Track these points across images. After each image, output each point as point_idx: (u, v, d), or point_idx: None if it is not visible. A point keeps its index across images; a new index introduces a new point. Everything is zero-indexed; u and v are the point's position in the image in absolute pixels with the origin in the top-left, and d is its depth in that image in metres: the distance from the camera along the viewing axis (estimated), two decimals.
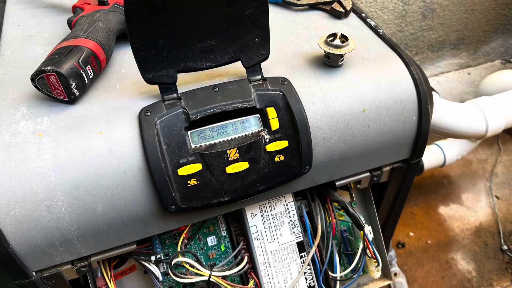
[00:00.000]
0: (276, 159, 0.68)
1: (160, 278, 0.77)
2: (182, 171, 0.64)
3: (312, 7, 0.92)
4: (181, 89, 0.67)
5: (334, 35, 0.73)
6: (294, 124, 0.68)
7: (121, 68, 0.74)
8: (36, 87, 0.65)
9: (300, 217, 0.83)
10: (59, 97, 0.65)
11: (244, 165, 0.67)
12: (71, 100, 0.66)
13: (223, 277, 0.76)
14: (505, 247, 1.64)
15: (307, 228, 0.82)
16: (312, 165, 0.71)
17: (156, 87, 0.66)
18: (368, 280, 0.95)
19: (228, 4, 0.62)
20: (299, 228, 0.82)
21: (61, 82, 0.63)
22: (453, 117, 1.37)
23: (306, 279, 0.81)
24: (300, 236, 0.82)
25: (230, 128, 0.67)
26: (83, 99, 0.68)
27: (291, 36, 0.83)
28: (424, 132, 0.78)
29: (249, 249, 0.80)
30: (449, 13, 1.91)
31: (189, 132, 0.65)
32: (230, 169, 0.66)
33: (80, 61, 0.65)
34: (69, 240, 0.63)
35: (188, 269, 0.73)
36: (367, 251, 0.85)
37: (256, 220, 0.80)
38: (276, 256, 0.80)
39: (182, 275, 0.72)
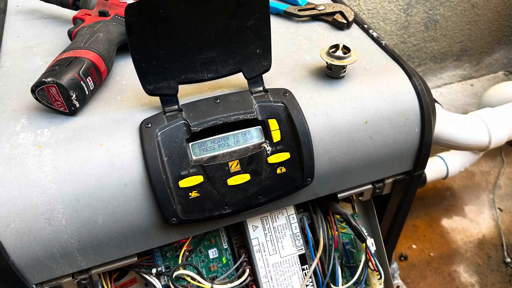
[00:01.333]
0: (278, 171, 0.68)
1: None
2: (183, 183, 0.63)
3: (314, 18, 0.92)
4: (182, 100, 0.67)
5: (336, 46, 0.73)
6: (296, 136, 0.68)
7: (122, 79, 0.74)
8: (36, 98, 0.65)
9: (302, 230, 0.82)
10: (60, 109, 0.65)
11: (245, 177, 0.66)
12: (72, 111, 0.65)
13: None
14: (508, 260, 1.63)
15: (309, 241, 0.82)
16: (314, 177, 0.70)
17: (157, 98, 0.65)
18: None
19: (230, 15, 0.62)
20: (301, 240, 0.81)
21: (62, 94, 0.63)
22: (456, 129, 1.37)
23: None
24: (302, 249, 0.81)
25: (231, 140, 0.67)
26: (84, 110, 0.68)
27: (293, 47, 0.83)
28: (426, 144, 0.77)
29: (250, 261, 0.80)
30: (452, 24, 1.91)
31: (190, 144, 0.65)
32: (232, 181, 0.66)
33: (80, 72, 0.64)
34: (69, 253, 0.62)
35: (189, 282, 0.73)
36: (369, 263, 0.84)
37: (257, 232, 0.79)
38: (278, 269, 0.79)
39: None
